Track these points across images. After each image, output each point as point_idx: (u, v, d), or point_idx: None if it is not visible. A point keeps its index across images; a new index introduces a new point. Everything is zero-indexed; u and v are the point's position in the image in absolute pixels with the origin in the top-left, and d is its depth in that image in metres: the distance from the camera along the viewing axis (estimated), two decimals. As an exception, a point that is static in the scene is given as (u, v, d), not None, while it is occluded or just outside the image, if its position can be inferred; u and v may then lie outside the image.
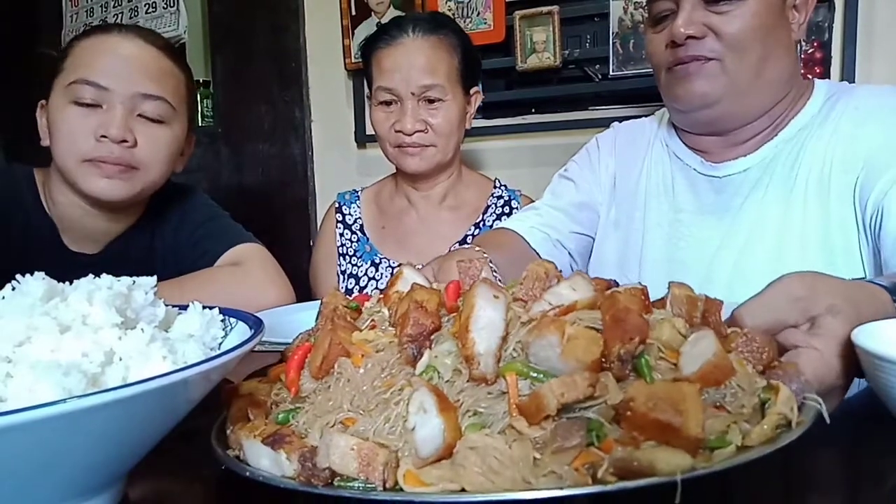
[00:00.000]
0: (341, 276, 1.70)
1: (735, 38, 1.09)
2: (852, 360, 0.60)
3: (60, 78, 1.25)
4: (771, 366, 0.53)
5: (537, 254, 1.26)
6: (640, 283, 0.58)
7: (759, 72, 1.11)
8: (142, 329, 0.49)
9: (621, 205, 1.31)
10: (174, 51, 1.34)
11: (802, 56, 1.85)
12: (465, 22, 2.09)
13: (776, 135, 1.17)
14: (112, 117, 1.21)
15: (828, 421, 0.49)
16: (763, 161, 1.16)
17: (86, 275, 0.56)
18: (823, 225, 1.08)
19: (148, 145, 1.25)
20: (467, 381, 0.49)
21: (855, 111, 1.11)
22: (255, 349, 0.52)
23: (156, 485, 0.57)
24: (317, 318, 0.65)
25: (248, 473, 0.49)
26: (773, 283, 0.64)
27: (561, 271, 0.59)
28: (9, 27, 2.86)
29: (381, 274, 1.65)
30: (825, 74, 1.83)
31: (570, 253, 1.32)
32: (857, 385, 0.69)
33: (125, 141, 1.22)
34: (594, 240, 1.36)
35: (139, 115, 1.25)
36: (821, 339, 0.59)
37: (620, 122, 1.44)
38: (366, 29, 2.30)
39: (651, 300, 0.58)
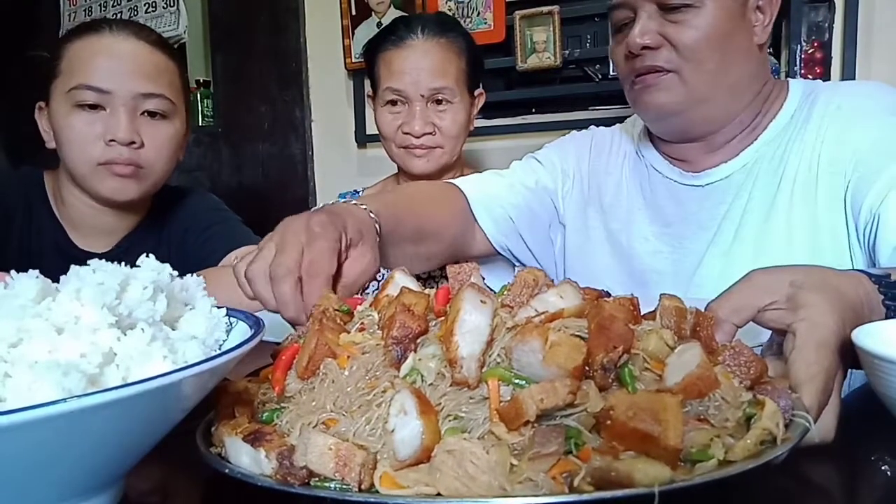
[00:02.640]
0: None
1: (690, 49, 1.06)
2: (844, 321, 0.60)
3: (59, 82, 1.27)
4: (760, 381, 0.52)
5: (475, 219, 1.23)
6: (632, 294, 0.58)
7: (719, 79, 1.09)
8: (142, 329, 0.49)
9: (604, 216, 1.29)
10: (165, 43, 1.37)
11: (803, 56, 1.85)
12: (465, 22, 2.10)
13: (756, 138, 1.15)
14: (118, 121, 1.25)
15: (816, 440, 0.48)
16: (746, 166, 1.15)
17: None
18: (811, 229, 1.07)
19: (154, 144, 1.30)
20: (450, 385, 0.48)
21: (838, 111, 1.09)
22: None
23: (156, 485, 0.57)
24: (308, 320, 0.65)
25: (226, 470, 0.48)
26: (739, 280, 0.66)
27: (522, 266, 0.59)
28: (7, 26, 2.86)
29: (383, 275, 1.65)
30: (825, 74, 1.83)
31: (518, 231, 1.28)
32: (856, 385, 0.70)
33: (133, 142, 1.26)
34: (564, 229, 1.33)
35: (142, 114, 1.28)
36: (801, 309, 0.60)
37: (620, 122, 1.44)
38: (366, 29, 2.30)
39: (643, 313, 0.58)
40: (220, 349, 0.56)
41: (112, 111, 1.25)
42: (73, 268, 0.53)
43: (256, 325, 0.55)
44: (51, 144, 1.32)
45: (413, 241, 1.05)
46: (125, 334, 0.49)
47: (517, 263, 1.34)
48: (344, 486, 0.44)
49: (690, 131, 1.17)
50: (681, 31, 1.06)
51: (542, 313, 0.52)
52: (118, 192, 1.28)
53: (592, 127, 1.42)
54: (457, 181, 1.28)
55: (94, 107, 1.25)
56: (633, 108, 1.21)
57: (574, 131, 1.43)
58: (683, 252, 1.18)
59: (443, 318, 0.54)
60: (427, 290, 0.61)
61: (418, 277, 0.74)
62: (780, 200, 1.10)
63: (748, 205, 1.12)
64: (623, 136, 1.34)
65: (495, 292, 0.58)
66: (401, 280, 0.62)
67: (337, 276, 0.75)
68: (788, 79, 1.21)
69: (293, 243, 0.72)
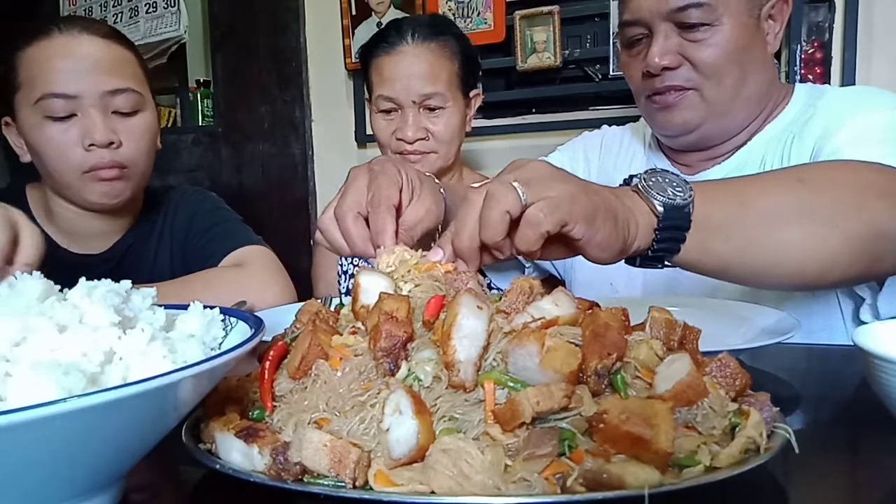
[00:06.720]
0: (342, 277, 1.70)
1: (710, 67, 1.08)
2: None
3: (22, 94, 1.23)
4: (744, 394, 0.54)
5: None
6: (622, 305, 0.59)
7: (738, 93, 1.11)
8: (142, 329, 0.49)
9: None
10: (117, 33, 1.33)
11: (803, 56, 1.85)
12: (465, 22, 2.10)
13: (751, 139, 1.17)
14: (92, 123, 1.21)
15: (796, 451, 0.49)
16: (738, 166, 1.16)
17: (95, 274, 0.56)
18: None
19: (132, 142, 1.26)
20: (446, 387, 0.49)
21: (824, 111, 1.11)
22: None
23: (156, 485, 0.57)
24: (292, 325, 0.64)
25: (217, 466, 0.49)
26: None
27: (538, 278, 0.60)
28: (5, 28, 2.85)
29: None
30: (825, 74, 1.83)
31: None
32: (856, 385, 0.70)
33: (112, 143, 1.23)
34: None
35: (114, 112, 1.24)
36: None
37: (619, 123, 1.45)
38: (366, 29, 2.30)
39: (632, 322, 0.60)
40: (219, 347, 0.56)
41: (83, 114, 1.21)
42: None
43: (256, 324, 0.56)
44: (25, 158, 1.28)
45: None
46: (125, 333, 0.49)
47: (528, 263, 1.36)
48: (338, 483, 0.45)
49: (701, 143, 1.18)
50: (701, 50, 1.07)
51: (539, 319, 0.53)
52: (109, 196, 1.26)
53: (605, 126, 1.43)
54: (478, 186, 1.30)
55: (67, 117, 1.20)
56: (649, 123, 1.23)
57: (585, 132, 1.45)
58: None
59: (431, 328, 0.54)
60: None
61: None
62: None
63: None
64: (634, 135, 1.36)
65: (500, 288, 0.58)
66: (367, 284, 0.60)
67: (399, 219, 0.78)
68: (797, 83, 1.22)
69: (355, 186, 0.77)
